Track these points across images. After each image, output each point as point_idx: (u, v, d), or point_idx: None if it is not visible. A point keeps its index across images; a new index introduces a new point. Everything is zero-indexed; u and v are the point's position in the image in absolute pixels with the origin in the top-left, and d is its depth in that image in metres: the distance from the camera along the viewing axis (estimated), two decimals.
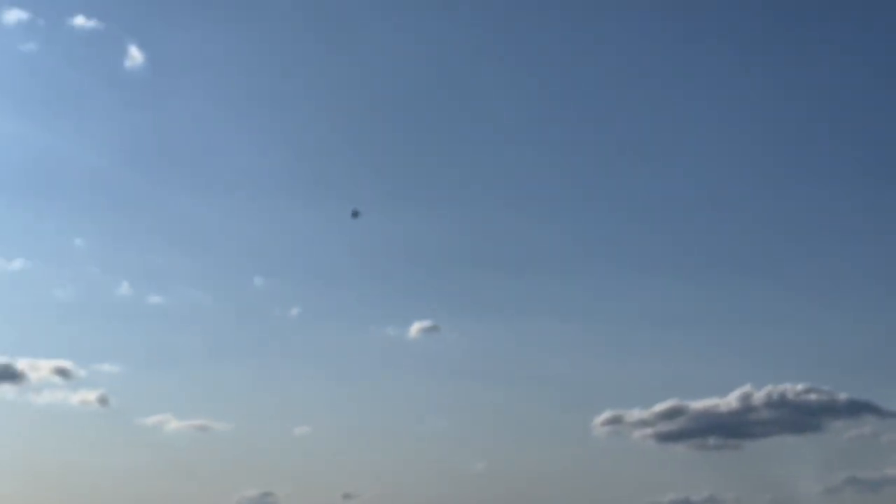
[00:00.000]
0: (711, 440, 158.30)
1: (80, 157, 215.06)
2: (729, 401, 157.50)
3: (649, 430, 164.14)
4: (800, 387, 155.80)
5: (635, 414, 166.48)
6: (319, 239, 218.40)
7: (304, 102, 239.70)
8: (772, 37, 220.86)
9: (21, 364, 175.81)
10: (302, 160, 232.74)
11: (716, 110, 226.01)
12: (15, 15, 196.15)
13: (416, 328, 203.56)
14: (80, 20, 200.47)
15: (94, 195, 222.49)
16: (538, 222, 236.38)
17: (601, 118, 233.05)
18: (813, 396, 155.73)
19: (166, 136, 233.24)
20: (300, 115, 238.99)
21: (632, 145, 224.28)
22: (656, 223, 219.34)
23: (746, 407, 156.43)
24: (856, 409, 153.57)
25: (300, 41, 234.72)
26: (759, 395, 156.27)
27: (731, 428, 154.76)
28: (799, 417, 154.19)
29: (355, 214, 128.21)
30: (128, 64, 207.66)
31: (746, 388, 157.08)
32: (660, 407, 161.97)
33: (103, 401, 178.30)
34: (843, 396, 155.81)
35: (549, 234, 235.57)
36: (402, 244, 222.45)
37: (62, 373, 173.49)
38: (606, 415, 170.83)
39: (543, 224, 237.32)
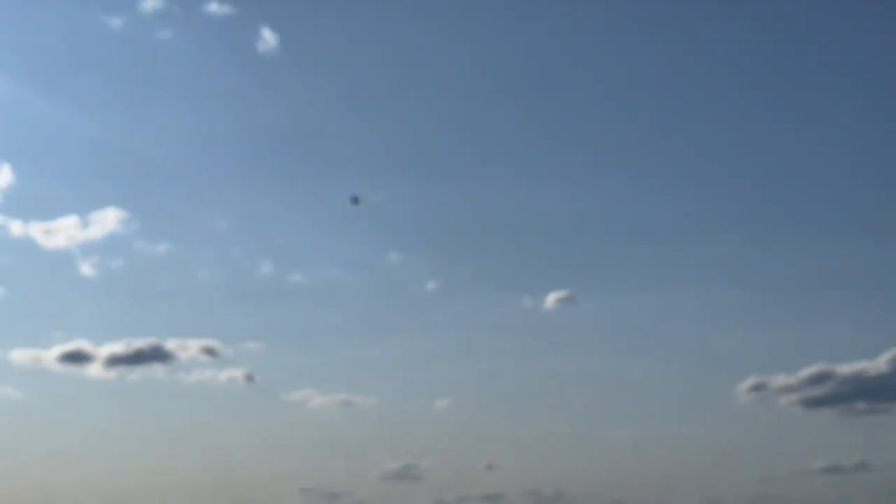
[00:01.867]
0: (860, 405, 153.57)
1: (217, 141, 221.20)
2: (878, 364, 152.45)
3: (795, 396, 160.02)
4: None
5: (780, 380, 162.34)
6: (453, 212, 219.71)
7: (432, 83, 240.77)
8: None
9: (170, 344, 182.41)
10: (431, 139, 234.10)
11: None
12: (151, 3, 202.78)
13: (552, 298, 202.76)
14: (213, 6, 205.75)
15: (231, 178, 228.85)
16: (674, 189, 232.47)
17: (725, 83, 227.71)
18: None
19: (300, 119, 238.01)
20: (429, 96, 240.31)
21: (764, 103, 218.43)
22: (796, 186, 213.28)
23: None
24: None
25: (430, 20, 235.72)
26: None
27: (881, 392, 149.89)
28: None
29: (355, 201, 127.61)
30: (261, 48, 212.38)
31: None
32: (806, 372, 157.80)
33: (249, 378, 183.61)
34: None
35: (686, 201, 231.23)
36: (537, 214, 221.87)
37: (209, 352, 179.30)
38: (750, 381, 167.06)
39: (680, 191, 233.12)
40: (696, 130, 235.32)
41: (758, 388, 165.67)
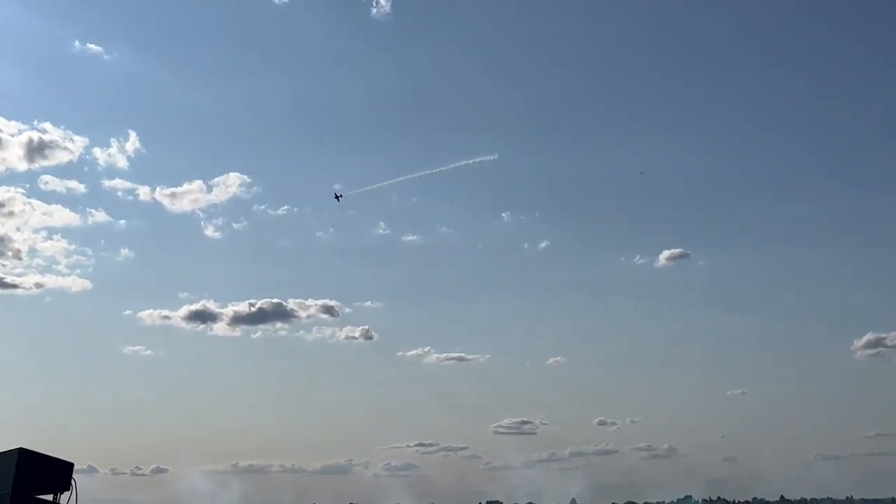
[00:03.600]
0: None
1: (332, 105, 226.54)
2: None
3: None
4: None
5: None
6: (565, 172, 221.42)
7: (545, 45, 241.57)
8: None
9: (291, 304, 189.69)
10: (543, 100, 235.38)
11: None
12: None
13: (665, 256, 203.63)
14: None
15: (347, 141, 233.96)
16: (790, 146, 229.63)
17: (849, 37, 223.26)
18: None
19: (413, 82, 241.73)
20: (541, 58, 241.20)
21: (890, 55, 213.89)
22: None
23: None
24: None
25: None
26: None
27: None
28: None
29: (337, 198, 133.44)
30: (375, 12, 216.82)
31: None
32: None
33: (367, 336, 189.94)
34: None
35: (801, 159, 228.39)
36: (649, 173, 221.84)
37: (329, 311, 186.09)
38: (867, 338, 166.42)
39: (796, 148, 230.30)
40: (814, 87, 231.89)
41: (874, 344, 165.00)
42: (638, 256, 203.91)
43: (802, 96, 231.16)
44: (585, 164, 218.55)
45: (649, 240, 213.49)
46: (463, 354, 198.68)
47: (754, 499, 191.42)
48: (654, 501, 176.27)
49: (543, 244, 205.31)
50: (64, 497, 28.76)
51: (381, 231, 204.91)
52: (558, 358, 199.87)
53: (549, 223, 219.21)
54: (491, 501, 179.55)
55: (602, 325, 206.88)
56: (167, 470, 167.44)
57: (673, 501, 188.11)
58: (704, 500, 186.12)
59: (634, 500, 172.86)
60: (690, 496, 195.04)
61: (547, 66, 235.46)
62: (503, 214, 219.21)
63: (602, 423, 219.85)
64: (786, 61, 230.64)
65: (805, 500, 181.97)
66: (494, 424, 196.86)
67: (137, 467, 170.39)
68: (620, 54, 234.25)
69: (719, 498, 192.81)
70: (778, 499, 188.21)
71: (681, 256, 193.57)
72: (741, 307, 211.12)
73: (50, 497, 28.31)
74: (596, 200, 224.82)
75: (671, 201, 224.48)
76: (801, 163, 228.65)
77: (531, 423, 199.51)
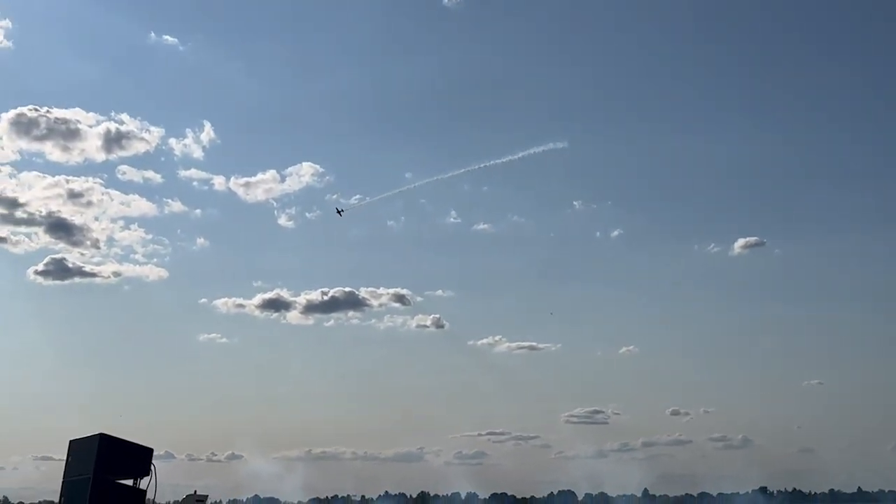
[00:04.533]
0: None
1: (402, 93, 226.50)
2: None
3: None
4: None
5: None
6: (637, 160, 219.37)
7: (612, 33, 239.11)
8: None
9: (363, 292, 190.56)
10: (613, 88, 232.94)
11: None
12: None
13: (740, 245, 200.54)
14: None
15: (416, 130, 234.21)
16: (864, 132, 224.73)
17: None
18: None
19: (483, 70, 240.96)
20: (611, 46, 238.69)
21: None
22: None
23: None
24: None
25: None
26: None
27: None
28: None
29: (339, 213, 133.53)
30: (446, 1, 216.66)
31: None
32: None
33: (439, 324, 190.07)
34: None
35: (877, 144, 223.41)
36: (723, 161, 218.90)
37: (400, 299, 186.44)
38: None
39: (869, 134, 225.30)
40: (887, 75, 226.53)
41: None
42: (712, 245, 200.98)
43: (886, 81, 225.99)
44: (658, 152, 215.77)
45: (724, 228, 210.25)
46: (534, 343, 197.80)
47: (831, 490, 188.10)
48: (729, 492, 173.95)
49: (616, 233, 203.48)
50: (144, 482, 29.10)
51: (452, 220, 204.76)
52: (631, 347, 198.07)
53: (621, 211, 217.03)
54: (563, 490, 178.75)
55: (675, 314, 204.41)
56: (241, 456, 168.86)
57: (747, 492, 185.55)
58: (780, 492, 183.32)
59: (708, 491, 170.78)
60: (765, 488, 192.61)
61: (619, 51, 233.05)
62: (575, 203, 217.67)
63: (675, 413, 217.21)
64: (866, 49, 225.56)
65: (883, 491, 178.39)
66: (566, 414, 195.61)
67: (213, 453, 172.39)
68: (695, 40, 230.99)
69: (795, 489, 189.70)
70: (855, 490, 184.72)
71: (756, 245, 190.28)
72: (818, 296, 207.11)
73: (130, 482, 28.63)
74: (669, 188, 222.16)
75: (747, 189, 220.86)
76: (884, 149, 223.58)
77: (603, 412, 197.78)
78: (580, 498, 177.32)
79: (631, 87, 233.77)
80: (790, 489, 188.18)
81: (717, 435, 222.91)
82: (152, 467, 28.97)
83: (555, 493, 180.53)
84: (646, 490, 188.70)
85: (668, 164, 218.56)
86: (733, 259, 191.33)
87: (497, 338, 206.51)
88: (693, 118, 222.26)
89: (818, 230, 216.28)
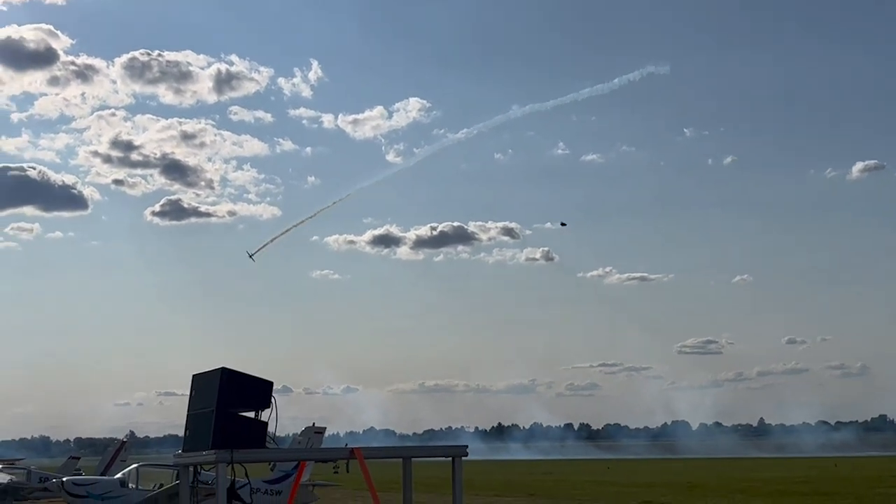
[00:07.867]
0: None
1: (502, 27, 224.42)
2: None
3: None
4: None
5: None
6: (747, 84, 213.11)
7: None
8: None
9: (472, 227, 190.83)
10: (720, 7, 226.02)
11: None
12: None
13: (858, 168, 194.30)
14: None
15: (519, 60, 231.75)
16: None
17: None
18: None
19: None
20: None
21: None
22: None
23: None
24: None
25: None
26: None
27: None
28: None
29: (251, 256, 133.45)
30: None
31: None
32: None
33: (548, 257, 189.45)
34: None
35: None
36: (839, 81, 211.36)
37: (509, 233, 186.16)
38: None
39: None
40: None
41: None
42: (829, 169, 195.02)
43: None
44: (770, 74, 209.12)
45: (841, 151, 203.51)
46: (645, 274, 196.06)
47: None
48: (847, 420, 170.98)
49: (728, 159, 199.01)
50: (264, 414, 29.59)
51: (559, 151, 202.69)
52: (745, 276, 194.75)
53: (733, 137, 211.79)
54: (676, 420, 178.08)
55: (790, 242, 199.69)
56: (357, 390, 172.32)
57: (866, 420, 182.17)
58: None
59: (826, 420, 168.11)
60: (885, 415, 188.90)
61: None
62: (685, 130, 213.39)
63: (791, 342, 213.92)
64: None
65: None
66: (678, 344, 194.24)
67: (329, 387, 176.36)
68: None
69: None
70: None
71: (876, 168, 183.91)
72: None
73: (251, 414, 29.21)
74: (783, 111, 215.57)
75: (865, 110, 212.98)
76: None
77: (717, 342, 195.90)
78: (694, 428, 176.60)
79: (741, 6, 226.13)
80: None
81: (835, 363, 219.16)
82: (272, 400, 29.41)
83: (668, 423, 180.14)
84: (761, 420, 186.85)
85: (781, 86, 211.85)
86: (851, 183, 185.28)
87: (608, 269, 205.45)
88: (805, 40, 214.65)
89: None
